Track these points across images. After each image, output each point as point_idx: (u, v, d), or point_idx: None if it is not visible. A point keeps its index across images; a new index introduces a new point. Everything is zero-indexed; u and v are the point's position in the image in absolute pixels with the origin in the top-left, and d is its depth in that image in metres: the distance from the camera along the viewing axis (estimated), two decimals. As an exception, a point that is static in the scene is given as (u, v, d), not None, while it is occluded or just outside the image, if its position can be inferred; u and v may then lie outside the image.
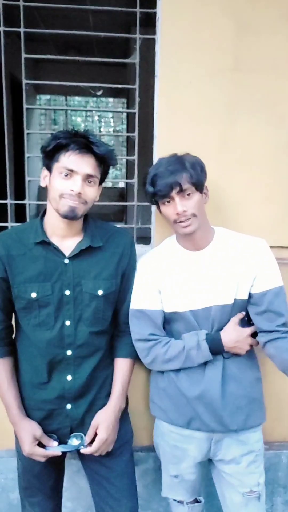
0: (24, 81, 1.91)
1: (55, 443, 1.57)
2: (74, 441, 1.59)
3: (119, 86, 1.99)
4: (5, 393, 1.58)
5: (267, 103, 1.87)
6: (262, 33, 1.83)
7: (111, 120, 10.72)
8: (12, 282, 1.52)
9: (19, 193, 2.08)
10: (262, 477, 1.69)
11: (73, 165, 1.42)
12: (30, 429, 1.55)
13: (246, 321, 1.60)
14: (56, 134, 1.45)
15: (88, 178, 1.45)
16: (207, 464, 1.78)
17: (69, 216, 1.45)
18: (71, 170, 1.42)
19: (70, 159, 1.42)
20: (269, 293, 1.57)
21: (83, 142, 1.42)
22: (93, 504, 1.77)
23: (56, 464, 1.71)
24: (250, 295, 1.61)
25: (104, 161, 1.49)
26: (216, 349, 1.57)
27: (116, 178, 9.64)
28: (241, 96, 1.86)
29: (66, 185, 1.43)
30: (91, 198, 1.48)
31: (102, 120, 10.79)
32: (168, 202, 1.54)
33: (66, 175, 1.43)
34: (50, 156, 1.46)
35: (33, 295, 1.51)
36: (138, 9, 1.85)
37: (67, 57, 2.01)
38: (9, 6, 1.85)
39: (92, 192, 1.48)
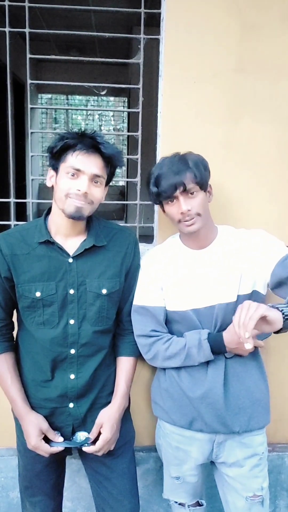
0: (29, 81, 1.91)
1: (61, 438, 1.58)
2: (79, 438, 1.60)
3: (123, 86, 1.99)
4: (9, 387, 1.58)
5: (271, 103, 1.87)
6: (266, 33, 1.83)
7: (112, 118, 10.72)
8: (16, 281, 1.52)
9: (18, 191, 2.08)
10: (265, 481, 1.68)
11: (80, 165, 1.42)
12: (37, 422, 1.56)
13: None
14: (63, 135, 1.45)
15: (94, 178, 1.45)
16: (209, 467, 1.78)
17: (76, 217, 1.46)
18: (78, 170, 1.42)
19: (77, 159, 1.42)
20: (281, 261, 1.51)
21: (90, 142, 1.43)
22: (93, 504, 1.77)
23: (57, 463, 1.71)
24: (268, 285, 1.58)
25: (111, 162, 1.49)
26: (218, 349, 1.56)
27: (117, 176, 9.63)
28: (245, 96, 1.86)
29: (73, 184, 1.43)
30: (97, 198, 1.48)
31: (103, 118, 10.78)
32: (172, 201, 1.54)
33: (72, 175, 1.43)
34: (56, 156, 1.46)
35: (38, 294, 1.51)
36: (142, 10, 1.85)
37: (71, 58, 2.01)
38: (11, 6, 1.85)
39: (98, 193, 1.48)
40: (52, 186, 1.51)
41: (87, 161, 1.43)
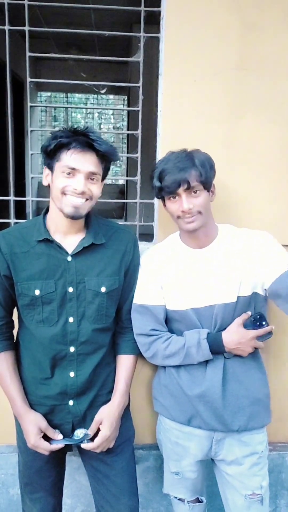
0: (28, 79, 1.91)
1: (61, 436, 1.59)
2: (78, 434, 1.60)
3: (123, 84, 1.99)
4: (8, 386, 1.59)
5: (271, 102, 1.87)
6: (267, 31, 1.83)
7: (111, 117, 10.71)
8: (16, 279, 1.53)
9: (17, 189, 2.09)
10: (265, 480, 1.67)
11: (75, 164, 1.42)
12: (35, 421, 1.56)
13: (253, 322, 1.58)
14: (56, 133, 1.44)
15: (91, 175, 1.45)
16: (209, 464, 1.78)
17: (75, 217, 1.47)
18: (74, 169, 1.42)
19: (72, 158, 1.42)
20: (285, 275, 1.50)
21: (84, 140, 1.42)
22: (93, 501, 1.78)
23: (57, 460, 1.71)
24: (266, 291, 1.57)
25: (106, 158, 1.49)
26: (217, 349, 1.56)
27: (116, 174, 9.61)
28: (246, 94, 1.86)
29: (69, 183, 1.43)
30: (95, 194, 1.48)
31: (102, 117, 10.77)
32: (174, 198, 1.53)
33: (68, 174, 1.43)
34: (51, 155, 1.45)
35: (37, 292, 1.51)
36: (142, 8, 1.85)
37: (71, 56, 2.01)
38: (10, 4, 1.85)
39: (95, 189, 1.48)
40: (49, 185, 1.51)
41: (82, 159, 1.42)
